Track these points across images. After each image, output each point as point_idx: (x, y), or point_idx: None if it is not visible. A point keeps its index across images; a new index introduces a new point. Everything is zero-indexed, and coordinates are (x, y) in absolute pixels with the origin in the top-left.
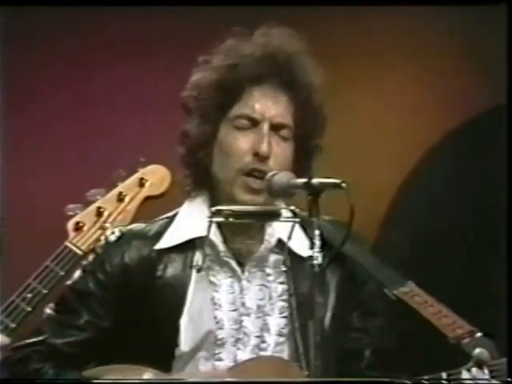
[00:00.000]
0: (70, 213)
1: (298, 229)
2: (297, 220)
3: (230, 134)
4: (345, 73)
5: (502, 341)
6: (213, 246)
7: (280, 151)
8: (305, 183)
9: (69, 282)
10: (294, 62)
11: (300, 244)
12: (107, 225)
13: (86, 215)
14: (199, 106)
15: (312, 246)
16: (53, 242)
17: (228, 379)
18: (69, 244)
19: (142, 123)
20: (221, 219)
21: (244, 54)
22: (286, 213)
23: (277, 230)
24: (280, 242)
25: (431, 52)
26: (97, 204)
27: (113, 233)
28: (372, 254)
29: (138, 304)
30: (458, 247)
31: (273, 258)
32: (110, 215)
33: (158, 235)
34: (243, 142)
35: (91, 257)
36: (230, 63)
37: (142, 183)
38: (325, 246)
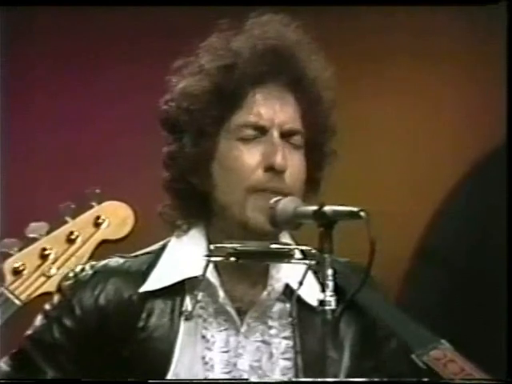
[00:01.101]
0: (4, 249)
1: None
2: (312, 263)
3: (234, 148)
4: (356, 82)
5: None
6: (209, 290)
7: (294, 162)
8: (315, 212)
9: (28, 332)
10: (299, 54)
11: (310, 291)
12: (52, 271)
13: (26, 256)
14: (192, 120)
15: (323, 289)
16: None
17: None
18: (5, 290)
19: (99, 146)
20: (221, 258)
21: (240, 51)
22: (298, 253)
23: (283, 273)
24: (287, 287)
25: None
26: (41, 243)
27: (83, 269)
28: (396, 306)
29: (113, 360)
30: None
31: (277, 307)
32: (56, 259)
33: (142, 274)
34: (251, 156)
35: (56, 299)
36: (226, 64)
37: (97, 223)
38: (339, 291)
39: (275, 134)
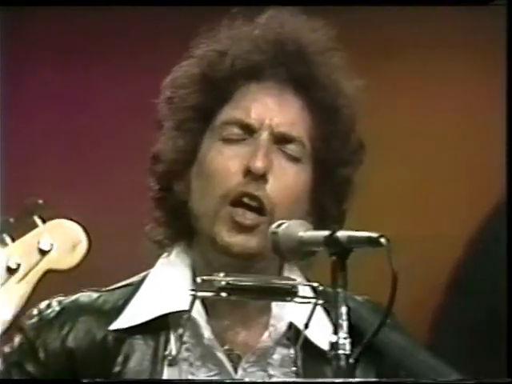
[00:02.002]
0: None
1: (319, 310)
2: (320, 302)
3: (215, 149)
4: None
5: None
6: (194, 328)
7: (285, 174)
8: (326, 238)
9: None
10: (315, 56)
11: (320, 331)
12: None
13: None
14: (173, 112)
15: (336, 330)
16: None
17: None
18: None
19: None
20: (210, 294)
21: (238, 38)
22: (303, 289)
23: (287, 311)
24: (291, 328)
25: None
26: None
27: (49, 305)
28: (424, 350)
29: None
30: None
31: (279, 351)
32: None
33: (117, 311)
34: (232, 159)
35: (17, 341)
36: (219, 49)
37: (42, 249)
38: (355, 333)
39: (264, 135)
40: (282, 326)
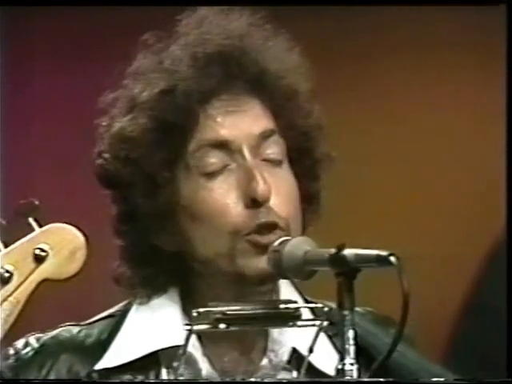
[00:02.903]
0: None
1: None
2: (324, 324)
3: (200, 187)
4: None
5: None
6: (189, 361)
7: (280, 182)
8: (332, 256)
9: None
10: (252, 47)
11: (323, 354)
12: None
13: None
14: (137, 170)
15: (343, 356)
16: None
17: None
18: None
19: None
20: (207, 327)
21: (177, 68)
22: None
23: (288, 336)
24: (294, 352)
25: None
26: None
27: (27, 344)
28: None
29: None
30: None
31: (281, 377)
32: None
33: (101, 345)
34: (223, 192)
35: None
36: (162, 89)
37: (38, 256)
38: (362, 355)
39: (246, 153)
40: (284, 352)
